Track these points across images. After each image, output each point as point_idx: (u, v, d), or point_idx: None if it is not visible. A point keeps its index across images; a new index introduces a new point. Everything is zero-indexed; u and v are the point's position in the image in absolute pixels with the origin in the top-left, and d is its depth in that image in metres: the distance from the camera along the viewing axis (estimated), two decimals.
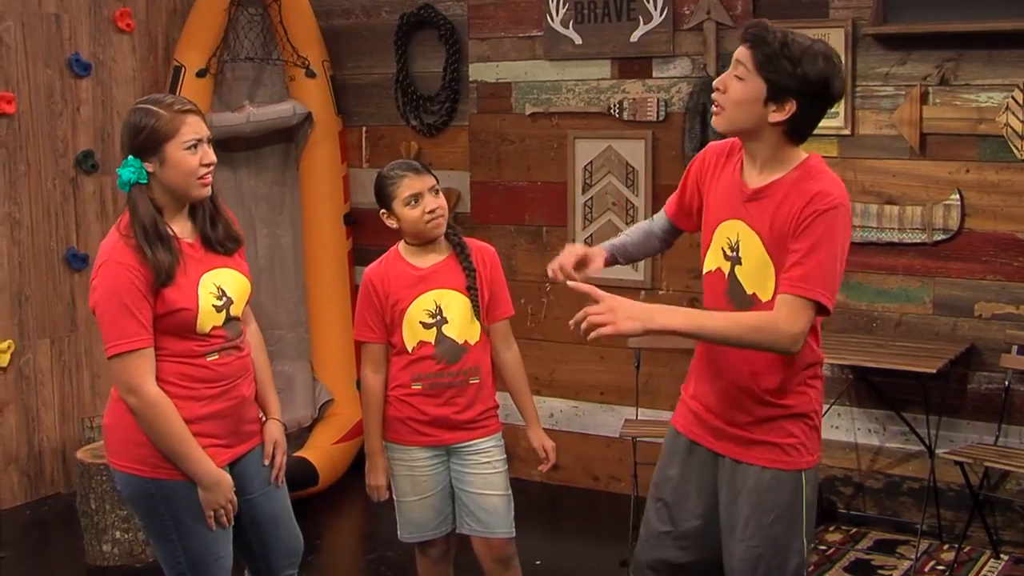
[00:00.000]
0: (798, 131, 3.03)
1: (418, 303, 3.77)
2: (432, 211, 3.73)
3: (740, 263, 3.11)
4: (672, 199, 3.44)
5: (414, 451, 3.84)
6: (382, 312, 3.80)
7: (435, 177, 3.81)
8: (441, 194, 3.79)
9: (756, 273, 3.07)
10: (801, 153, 3.07)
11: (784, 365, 3.07)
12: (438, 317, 3.77)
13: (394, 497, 3.90)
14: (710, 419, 3.20)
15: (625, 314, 2.90)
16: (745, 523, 3.12)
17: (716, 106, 3.06)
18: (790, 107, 2.96)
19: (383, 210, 3.81)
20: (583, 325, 2.90)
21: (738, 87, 3.00)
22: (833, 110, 5.09)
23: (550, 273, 3.34)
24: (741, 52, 3.00)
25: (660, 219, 3.51)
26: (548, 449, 3.94)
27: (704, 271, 3.23)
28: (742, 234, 3.09)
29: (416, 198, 3.73)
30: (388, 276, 3.80)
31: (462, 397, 3.80)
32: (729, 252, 3.13)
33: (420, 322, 3.77)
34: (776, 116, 2.97)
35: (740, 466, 3.13)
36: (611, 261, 3.49)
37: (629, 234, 3.57)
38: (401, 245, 3.86)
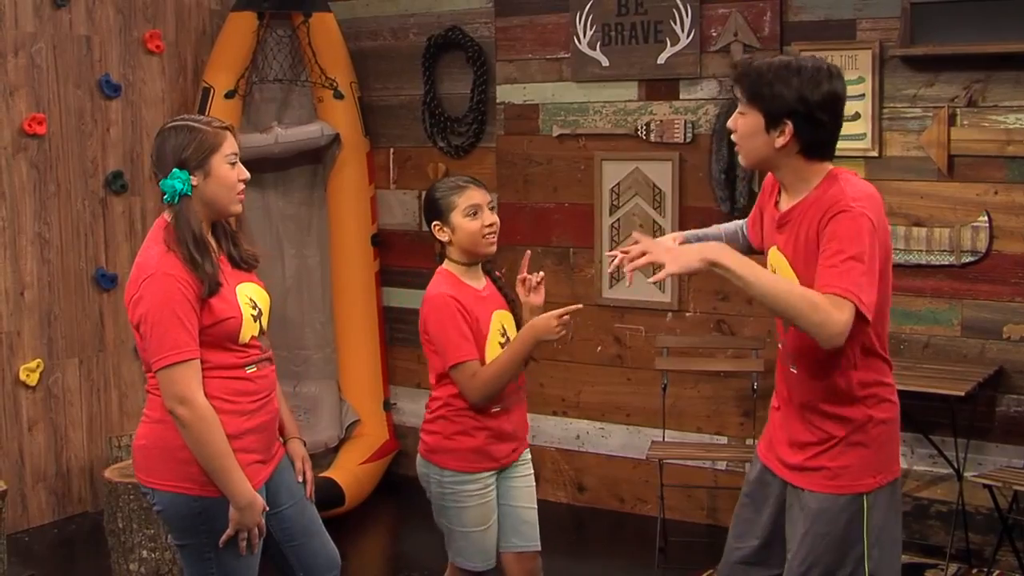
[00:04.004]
0: (811, 148, 3.07)
1: (492, 323, 3.74)
2: (490, 225, 3.71)
3: None
4: (751, 215, 3.50)
5: (486, 477, 3.76)
6: (472, 331, 3.68)
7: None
8: (495, 212, 3.77)
9: None
10: (826, 168, 3.10)
11: (843, 389, 3.09)
12: (505, 336, 3.76)
13: (459, 530, 3.76)
14: (777, 445, 3.26)
15: (673, 254, 3.00)
16: (799, 547, 3.15)
17: (736, 146, 3.19)
18: (788, 129, 3.03)
19: (436, 222, 3.74)
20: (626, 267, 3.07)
21: (742, 123, 3.12)
22: (860, 131, 5.19)
23: (613, 259, 3.39)
24: (737, 91, 3.13)
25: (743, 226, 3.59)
26: None
27: None
28: (777, 261, 3.16)
29: (476, 210, 3.69)
30: (463, 296, 3.69)
31: (522, 408, 3.85)
32: None
33: (498, 342, 3.73)
34: (780, 140, 3.05)
35: (801, 492, 3.17)
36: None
37: (719, 228, 3.62)
38: (450, 266, 3.77)
